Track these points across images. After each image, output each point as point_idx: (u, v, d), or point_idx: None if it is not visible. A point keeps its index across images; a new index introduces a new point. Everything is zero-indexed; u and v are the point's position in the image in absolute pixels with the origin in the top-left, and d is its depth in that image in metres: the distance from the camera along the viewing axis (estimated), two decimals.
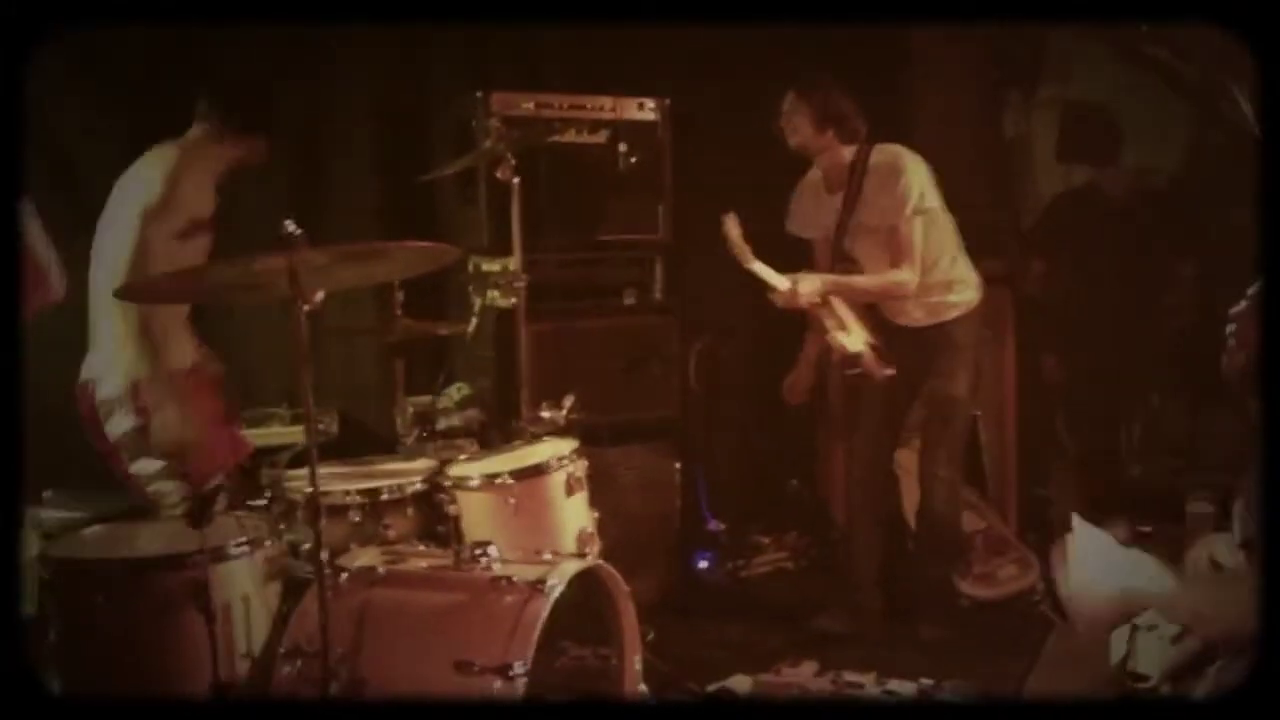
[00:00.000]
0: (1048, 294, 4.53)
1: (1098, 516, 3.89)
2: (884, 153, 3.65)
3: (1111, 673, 2.64)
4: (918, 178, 3.60)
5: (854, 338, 3.64)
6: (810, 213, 3.80)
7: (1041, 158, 4.55)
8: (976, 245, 3.78)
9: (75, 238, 3.03)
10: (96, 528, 2.74)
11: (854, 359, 3.63)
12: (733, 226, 3.57)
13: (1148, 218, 4.26)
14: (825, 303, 3.63)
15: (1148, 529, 3.86)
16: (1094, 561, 3.02)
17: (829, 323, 3.63)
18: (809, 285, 3.59)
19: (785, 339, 3.96)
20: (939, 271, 3.68)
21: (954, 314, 3.72)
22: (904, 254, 3.59)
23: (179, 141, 3.15)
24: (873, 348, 3.64)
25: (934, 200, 3.63)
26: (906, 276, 3.61)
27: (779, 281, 3.58)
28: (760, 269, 3.58)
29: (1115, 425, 4.57)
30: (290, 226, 2.22)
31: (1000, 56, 4.44)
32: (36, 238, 2.49)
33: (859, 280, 3.65)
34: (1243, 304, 2.33)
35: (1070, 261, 4.50)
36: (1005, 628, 3.78)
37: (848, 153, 3.68)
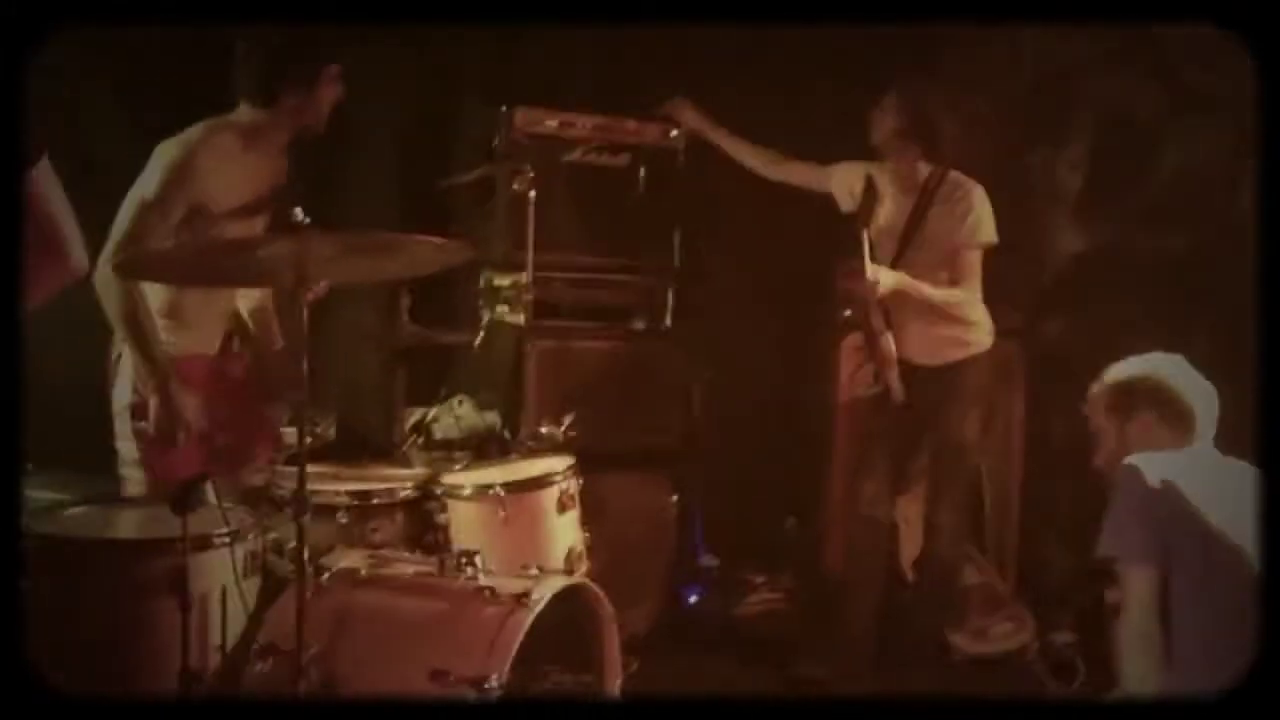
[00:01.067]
0: (1062, 353, 4.47)
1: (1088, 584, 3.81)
2: (959, 181, 3.66)
3: None
4: (986, 212, 3.63)
5: (893, 345, 3.59)
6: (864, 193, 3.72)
7: (1065, 213, 4.51)
8: (992, 293, 3.74)
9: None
10: (81, 508, 2.68)
11: (887, 369, 3.57)
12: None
13: (1166, 279, 4.20)
14: (885, 303, 3.57)
15: None
16: None
17: (877, 323, 3.57)
18: (889, 279, 3.54)
19: (790, 375, 3.91)
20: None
21: (963, 354, 3.68)
22: (964, 277, 3.62)
23: (226, 122, 2.94)
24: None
25: (992, 237, 3.65)
26: (965, 297, 3.63)
27: (869, 267, 3.51)
28: (866, 243, 3.53)
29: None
30: (299, 214, 2.20)
31: (1029, 111, 4.42)
32: (59, 209, 2.17)
33: (926, 288, 3.59)
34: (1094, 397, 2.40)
35: (1086, 322, 4.44)
36: (995, 685, 3.70)
37: (924, 168, 3.67)
